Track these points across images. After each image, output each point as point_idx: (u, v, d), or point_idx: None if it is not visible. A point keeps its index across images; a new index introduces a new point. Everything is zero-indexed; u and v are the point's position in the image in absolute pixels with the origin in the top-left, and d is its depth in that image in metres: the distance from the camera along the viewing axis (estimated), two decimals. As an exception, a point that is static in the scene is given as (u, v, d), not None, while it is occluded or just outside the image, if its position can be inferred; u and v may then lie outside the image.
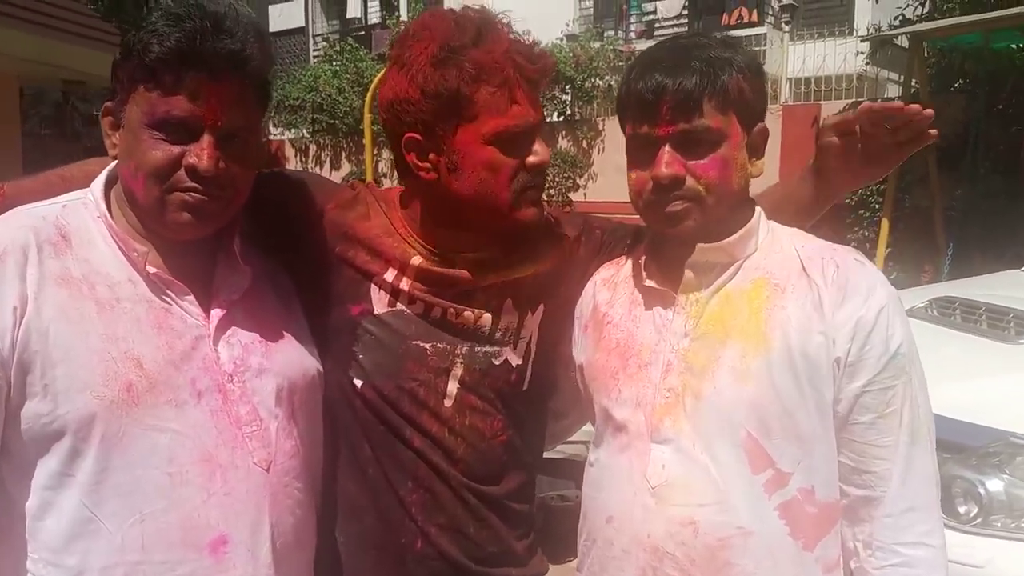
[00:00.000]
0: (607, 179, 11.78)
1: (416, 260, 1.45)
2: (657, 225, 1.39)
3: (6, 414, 1.16)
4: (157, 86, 1.21)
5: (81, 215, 1.28)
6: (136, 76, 1.23)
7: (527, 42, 1.39)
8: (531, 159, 1.37)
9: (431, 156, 1.39)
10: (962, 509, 2.38)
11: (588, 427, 1.59)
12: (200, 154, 1.22)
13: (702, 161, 1.32)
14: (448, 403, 1.44)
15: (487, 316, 1.47)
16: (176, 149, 1.23)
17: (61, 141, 9.52)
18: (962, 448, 2.43)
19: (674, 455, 1.33)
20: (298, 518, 1.35)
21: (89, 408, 1.17)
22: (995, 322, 3.15)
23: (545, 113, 1.46)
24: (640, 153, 1.36)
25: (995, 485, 2.38)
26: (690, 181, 1.32)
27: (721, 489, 1.30)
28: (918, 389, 1.32)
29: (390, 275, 1.45)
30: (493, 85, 1.33)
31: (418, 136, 1.38)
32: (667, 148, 1.31)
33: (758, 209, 1.42)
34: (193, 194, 1.24)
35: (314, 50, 19.72)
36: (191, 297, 1.29)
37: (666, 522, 1.32)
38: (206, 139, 1.23)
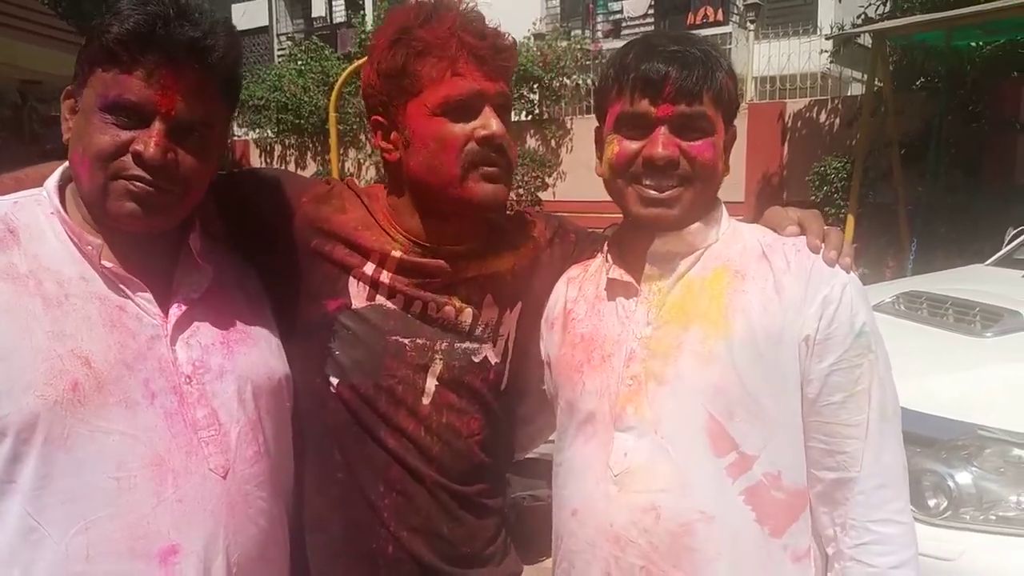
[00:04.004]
0: (576, 178, 11.79)
1: (397, 252, 1.43)
2: (637, 207, 1.37)
3: None
4: (113, 67, 1.18)
5: (32, 211, 1.24)
6: (95, 58, 1.20)
7: (482, 23, 1.38)
8: (480, 131, 1.35)
9: (392, 136, 1.43)
10: (932, 502, 2.39)
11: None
12: (147, 141, 1.18)
13: (696, 143, 1.33)
14: (426, 401, 1.42)
15: (468, 310, 1.46)
16: (125, 134, 1.19)
17: (19, 143, 9.32)
18: (931, 442, 2.44)
19: (636, 442, 1.33)
20: (261, 529, 1.30)
21: (32, 408, 1.12)
22: (961, 316, 3.17)
23: (513, 111, 1.43)
24: (630, 131, 1.35)
25: (964, 478, 2.38)
26: (683, 164, 1.33)
27: (682, 474, 1.30)
28: (884, 368, 1.33)
29: (369, 268, 1.43)
30: (435, 58, 1.34)
31: (381, 118, 1.44)
32: (664, 129, 1.32)
33: (720, 202, 1.44)
34: (137, 183, 1.19)
35: (278, 49, 19.58)
36: (148, 295, 1.25)
37: (628, 510, 1.32)
38: (156, 126, 1.19)
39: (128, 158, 1.19)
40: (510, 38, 1.43)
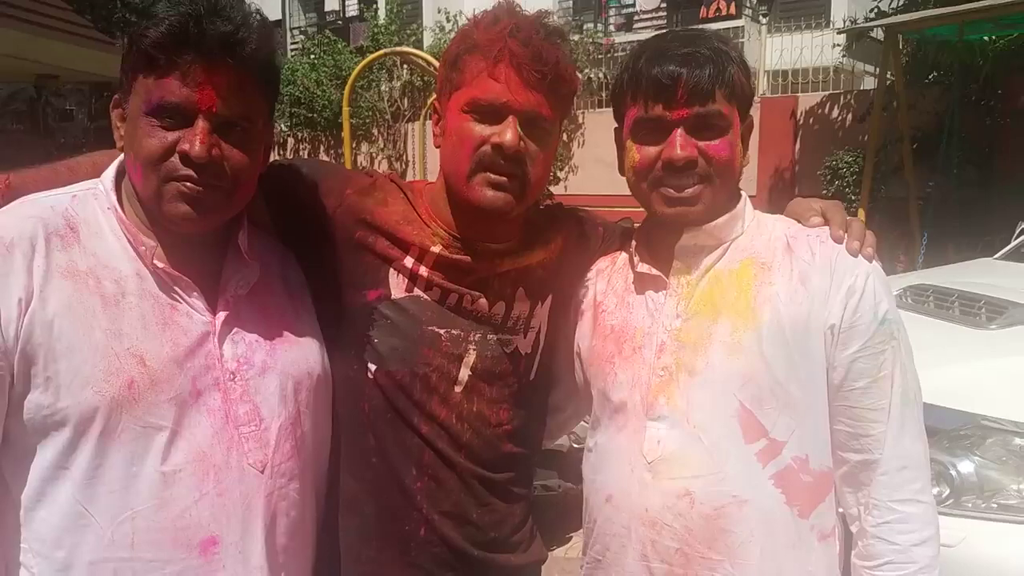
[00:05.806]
0: (587, 172, 11.77)
1: (435, 248, 1.47)
2: (661, 207, 1.41)
3: (9, 403, 1.16)
4: (153, 71, 1.20)
5: (91, 206, 1.27)
6: (136, 65, 1.22)
7: (536, 32, 1.39)
8: (494, 138, 1.38)
9: (440, 122, 1.48)
10: (934, 490, 2.41)
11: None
12: (192, 139, 1.20)
13: (714, 143, 1.36)
14: (458, 390, 1.47)
15: (501, 304, 1.50)
16: (171, 136, 1.21)
17: (35, 137, 9.39)
18: (935, 431, 2.44)
19: (669, 430, 1.38)
20: (293, 520, 1.35)
21: (90, 403, 1.16)
22: (967, 308, 3.20)
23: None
24: (648, 136, 1.39)
25: (966, 467, 2.42)
26: (701, 163, 1.36)
27: (715, 460, 1.35)
28: (906, 355, 1.38)
29: (408, 261, 1.47)
30: (480, 57, 1.38)
31: (437, 103, 1.52)
32: (681, 131, 1.36)
33: (744, 195, 1.48)
34: (189, 184, 1.22)
35: (291, 43, 19.54)
36: (197, 293, 1.28)
37: (663, 495, 1.37)
38: (200, 124, 1.21)
39: (176, 159, 1.21)
40: (564, 54, 1.42)
